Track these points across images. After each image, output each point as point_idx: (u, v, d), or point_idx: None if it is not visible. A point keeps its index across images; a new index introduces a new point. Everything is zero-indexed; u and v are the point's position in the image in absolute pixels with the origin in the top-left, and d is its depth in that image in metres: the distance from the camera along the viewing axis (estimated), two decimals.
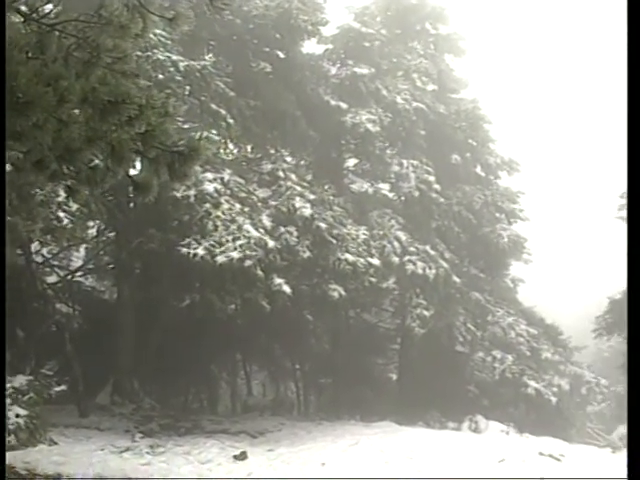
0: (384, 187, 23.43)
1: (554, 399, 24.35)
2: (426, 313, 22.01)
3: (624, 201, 24.29)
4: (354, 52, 24.75)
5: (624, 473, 15.74)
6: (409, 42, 27.42)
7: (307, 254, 18.12)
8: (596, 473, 15.07)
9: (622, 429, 31.81)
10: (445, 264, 22.74)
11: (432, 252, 22.62)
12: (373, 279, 19.20)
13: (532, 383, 24.13)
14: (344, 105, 23.20)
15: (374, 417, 21.89)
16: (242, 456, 14.51)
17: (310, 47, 24.17)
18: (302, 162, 24.49)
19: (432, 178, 23.74)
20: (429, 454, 15.28)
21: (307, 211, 18.44)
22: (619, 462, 17.39)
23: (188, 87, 18.67)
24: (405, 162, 23.78)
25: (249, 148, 23.52)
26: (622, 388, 34.02)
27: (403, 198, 23.78)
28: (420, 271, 21.77)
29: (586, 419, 31.33)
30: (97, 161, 6.87)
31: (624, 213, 24.14)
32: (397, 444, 16.09)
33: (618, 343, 28.95)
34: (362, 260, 18.72)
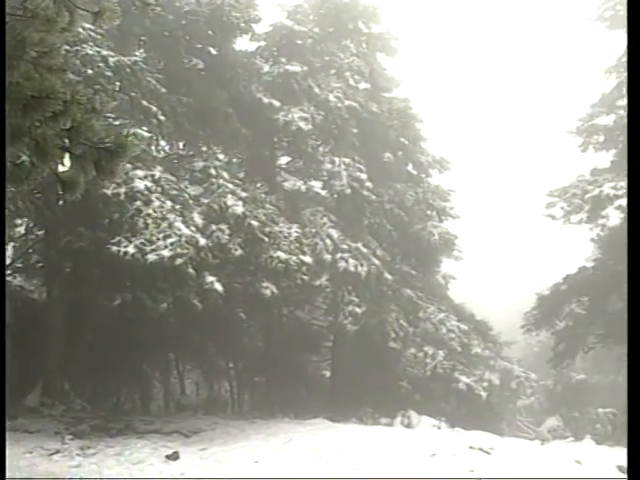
0: (316, 185, 23.51)
1: (484, 394, 24.77)
2: (358, 310, 22.14)
3: (551, 199, 24.85)
4: (287, 50, 24.75)
5: (553, 464, 16.16)
6: (342, 40, 27.50)
7: (239, 252, 18.03)
8: (525, 465, 15.39)
9: (550, 421, 32.57)
10: (377, 261, 22.91)
11: (364, 249, 22.77)
12: (305, 277, 19.21)
13: (463, 378, 24.52)
14: (277, 103, 23.17)
15: (308, 414, 21.95)
16: (174, 456, 14.38)
17: (243, 44, 24.09)
18: (234, 160, 24.40)
19: (364, 176, 23.88)
20: (362, 450, 15.36)
21: (239, 209, 18.34)
22: (548, 454, 17.83)
23: (118, 83, 18.40)
24: (337, 160, 23.87)
25: (181, 145, 23.35)
26: (551, 382, 34.82)
27: (335, 196, 23.89)
28: (352, 268, 21.89)
29: (516, 412, 31.95)
30: (24, 157, 6.71)
31: (552, 211, 24.70)
32: (330, 441, 16.13)
33: (547, 338, 29.62)
34: (294, 258, 18.71)
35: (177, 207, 17.73)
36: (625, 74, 25.74)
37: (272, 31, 24.78)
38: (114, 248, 16.88)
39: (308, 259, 19.40)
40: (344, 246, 22.27)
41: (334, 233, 22.26)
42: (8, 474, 11.78)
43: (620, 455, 18.71)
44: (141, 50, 21.46)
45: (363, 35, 27.81)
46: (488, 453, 16.20)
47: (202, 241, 17.18)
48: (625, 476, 15.94)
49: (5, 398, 13.03)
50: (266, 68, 24.46)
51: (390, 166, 26.49)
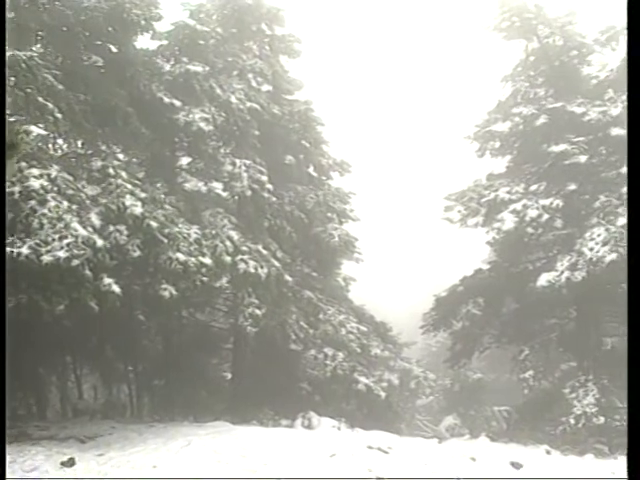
0: (217, 186, 23.34)
1: (384, 394, 25.12)
2: (258, 312, 22.13)
3: (449, 203, 25.39)
4: (189, 49, 24.49)
5: (449, 461, 16.52)
6: (245, 42, 27.46)
7: (138, 253, 17.70)
8: (422, 463, 15.69)
9: (448, 420, 33.30)
10: (277, 263, 22.94)
11: (264, 251, 22.76)
12: (205, 278, 19.03)
13: (362, 379, 24.80)
14: (178, 103, 22.89)
15: (208, 417, 21.80)
16: (70, 462, 14.05)
17: (144, 42, 23.70)
18: (134, 160, 23.93)
19: (265, 178, 23.89)
20: (262, 452, 15.38)
21: (138, 209, 18.00)
22: (444, 451, 18.23)
23: (13, 78, 17.85)
24: (238, 161, 23.79)
25: (79, 144, 22.79)
26: (448, 381, 35.58)
27: (236, 197, 23.83)
28: (252, 270, 21.84)
29: (415, 412, 32.54)
30: None
31: (449, 214, 25.24)
32: (230, 443, 16.09)
33: (445, 338, 30.21)
34: (194, 259, 18.51)
35: (74, 207, 17.29)
36: (520, 83, 26.57)
37: (174, 30, 24.50)
38: (7, 249, 16.36)
39: (208, 261, 19.22)
40: (244, 248, 22.20)
41: (234, 235, 22.16)
42: None
43: (514, 451, 19.33)
44: (38, 45, 20.85)
45: (266, 37, 27.84)
46: (386, 452, 16.47)
47: (99, 242, 16.80)
48: (517, 472, 16.49)
49: (5, 398, 12.61)
50: (167, 67, 24.14)
51: (291, 168, 26.60)
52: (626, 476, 9.51)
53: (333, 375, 24.72)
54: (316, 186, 27.53)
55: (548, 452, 20.36)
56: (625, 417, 26.33)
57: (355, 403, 25.56)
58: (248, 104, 24.40)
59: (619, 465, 18.36)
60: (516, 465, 16.96)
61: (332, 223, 27.05)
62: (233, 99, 23.97)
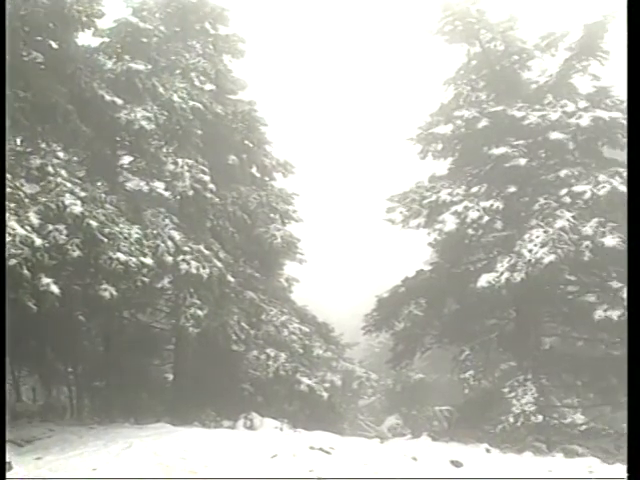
0: (159, 186, 23.15)
1: (326, 394, 25.19)
2: (200, 313, 21.99)
3: (391, 204, 25.55)
4: (131, 47, 24.16)
5: (390, 461, 16.61)
6: (188, 40, 27.25)
7: (77, 253, 17.47)
8: (363, 463, 15.77)
9: (390, 420, 33.57)
10: (219, 264, 22.84)
11: (206, 251, 22.65)
12: (146, 279, 18.87)
13: (305, 380, 24.82)
14: (119, 101, 22.60)
15: (149, 419, 21.60)
16: (7, 467, 13.78)
17: (85, 39, 23.34)
18: (75, 158, 23.55)
19: (207, 178, 23.75)
20: (203, 453, 15.30)
21: (77, 208, 17.76)
22: (386, 451, 18.36)
23: None
24: (180, 161, 23.60)
25: (18, 141, 22.36)
26: (391, 381, 35.86)
27: (178, 197, 23.65)
28: (194, 270, 21.72)
29: (358, 412, 32.74)
30: None
31: (392, 215, 25.40)
32: (171, 445, 15.97)
33: (387, 339, 30.40)
34: (134, 259, 18.33)
35: (12, 206, 16.99)
36: (462, 86, 26.89)
37: (116, 27, 24.16)
38: None
39: (149, 261, 19.06)
40: (186, 248, 22.06)
41: (176, 235, 22.01)
42: None
43: (455, 450, 19.56)
44: None
45: (210, 36, 27.66)
46: (328, 453, 16.50)
47: (38, 241, 16.53)
48: (457, 470, 16.69)
49: (5, 398, 12.25)
50: (109, 65, 23.76)
51: (234, 169, 26.51)
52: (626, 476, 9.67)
53: (275, 376, 24.71)
54: (259, 187, 27.49)
55: (488, 450, 20.61)
56: (562, 415, 26.91)
57: (298, 404, 25.58)
58: (191, 103, 24.22)
59: (556, 462, 18.72)
60: (456, 464, 17.16)
61: (275, 224, 27.05)
62: (176, 98, 23.76)
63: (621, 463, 19.04)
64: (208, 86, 26.58)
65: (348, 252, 61.74)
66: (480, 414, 25.09)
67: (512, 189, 24.73)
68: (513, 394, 23.15)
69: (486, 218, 24.13)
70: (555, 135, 24.62)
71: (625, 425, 28.36)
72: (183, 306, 22.29)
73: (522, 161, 24.52)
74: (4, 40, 20.48)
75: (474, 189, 24.93)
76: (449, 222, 24.23)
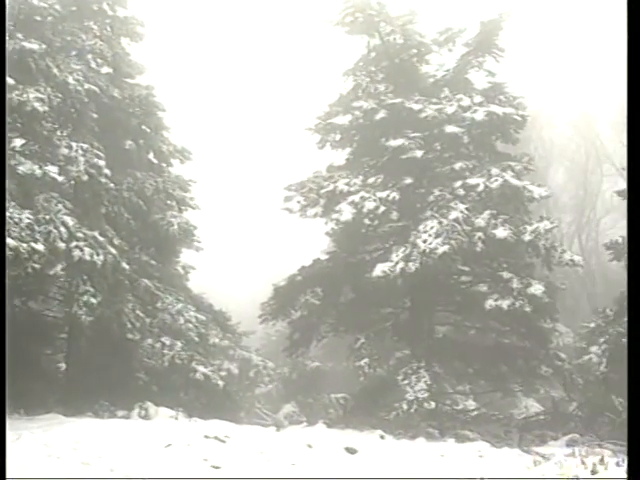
0: (52, 170, 22.44)
1: (222, 383, 25.10)
2: (94, 300, 21.53)
3: (289, 193, 25.58)
4: (24, 26, 23.31)
5: (285, 448, 16.69)
6: (85, 21, 26.48)
7: None
8: (258, 451, 15.82)
9: (287, 408, 33.76)
10: (114, 250, 22.40)
11: (101, 238, 22.17)
12: (37, 265, 18.36)
13: (201, 368, 24.66)
14: (11, 81, 21.81)
15: (40, 410, 21.04)
16: None
17: None
18: None
19: (102, 163, 23.23)
20: (96, 444, 15.04)
21: None
22: (281, 439, 18.45)
23: None
24: (75, 145, 23.01)
25: None
26: (287, 370, 36.02)
27: (72, 182, 23.04)
28: (88, 257, 21.22)
29: (255, 400, 32.76)
30: None
31: (289, 204, 25.42)
32: (62, 436, 15.64)
33: (284, 327, 30.49)
34: (25, 245, 17.82)
35: None
36: (361, 77, 27.11)
37: (9, 4, 23.30)
38: None
39: (40, 247, 18.54)
40: (80, 234, 21.52)
41: (69, 220, 21.43)
42: None
43: (349, 437, 19.82)
44: None
45: (108, 18, 26.96)
46: (223, 441, 16.51)
47: None
48: (352, 457, 16.92)
49: (5, 398, 11.53)
50: None
51: (131, 154, 26.06)
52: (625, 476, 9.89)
53: (171, 364, 24.45)
54: (156, 173, 27.07)
55: (382, 437, 20.97)
56: (454, 401, 27.64)
57: (193, 392, 25.40)
58: (87, 86, 23.64)
59: (448, 447, 19.20)
60: (351, 450, 17.40)
61: (171, 211, 26.72)
62: (71, 80, 23.13)
63: (509, 447, 19.72)
64: (105, 69, 25.99)
65: (246, 240, 61.54)
66: (375, 401, 25.48)
67: (408, 180, 25.13)
68: (407, 381, 23.57)
69: (382, 208, 24.44)
70: (451, 128, 25.15)
71: (514, 411, 29.44)
72: (76, 294, 21.76)
73: (418, 153, 24.94)
74: (4, 39, 19.70)
75: (371, 180, 25.20)
76: (346, 212, 24.44)
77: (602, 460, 15.14)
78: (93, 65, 25.33)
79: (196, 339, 25.37)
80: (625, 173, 27.99)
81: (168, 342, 24.69)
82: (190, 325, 25.44)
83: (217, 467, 13.84)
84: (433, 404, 23.30)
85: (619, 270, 24.33)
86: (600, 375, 22.10)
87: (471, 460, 16.67)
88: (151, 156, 27.60)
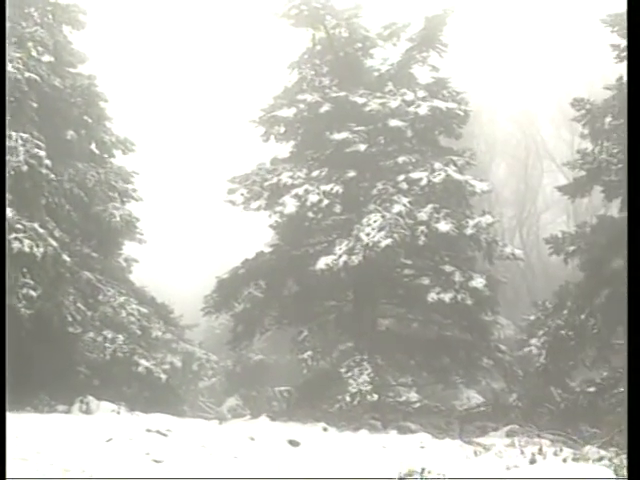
0: None
1: (165, 377, 24.92)
2: (33, 293, 21.20)
3: (233, 185, 25.49)
4: None
5: (228, 441, 16.64)
6: (25, 8, 26.01)
7: None
8: (201, 444, 15.74)
9: (231, 401, 33.69)
10: (54, 242, 22.07)
11: (41, 230, 21.82)
12: None
13: (143, 362, 24.45)
14: None
15: None
16: None
17: None
18: None
19: (43, 153, 22.82)
20: (35, 439, 14.81)
21: None
22: (224, 432, 18.41)
23: None
24: (15, 135, 22.55)
25: None
26: (231, 363, 35.92)
27: (12, 173, 22.60)
28: (27, 249, 20.88)
29: (198, 394, 32.59)
30: None
31: (233, 197, 25.32)
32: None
33: (228, 320, 30.39)
34: None
35: None
36: (306, 70, 27.10)
37: None
38: None
39: None
40: (19, 226, 21.16)
41: (8, 212, 21.07)
42: None
43: (293, 430, 19.86)
44: None
45: (49, 4, 26.53)
46: (165, 435, 16.40)
47: None
48: (294, 449, 16.95)
49: (5, 398, 11.10)
50: None
51: (72, 144, 25.68)
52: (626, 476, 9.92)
53: (112, 358, 24.20)
54: (98, 164, 26.73)
55: (325, 429, 21.07)
56: (397, 393, 27.89)
57: (136, 386, 25.16)
58: (27, 74, 23.24)
59: (390, 439, 19.35)
60: (293, 443, 17.42)
61: (114, 202, 26.41)
62: (10, 68, 22.70)
63: (450, 438, 19.96)
64: (46, 57, 25.50)
65: (189, 233, 61.13)
66: (318, 394, 25.58)
67: (352, 174, 25.24)
68: (350, 374, 23.70)
69: (326, 202, 24.51)
70: (394, 122, 25.31)
71: (455, 402, 29.83)
72: (15, 286, 21.38)
73: (362, 147, 25.06)
74: (4, 40, 19.12)
75: (315, 173, 25.24)
76: (289, 205, 24.45)
77: (540, 450, 15.44)
78: (34, 53, 24.86)
79: (138, 332, 25.14)
80: (565, 169, 28.57)
81: (110, 335, 24.42)
82: (132, 318, 25.20)
83: (159, 461, 13.69)
84: (376, 396, 23.45)
85: (559, 264, 24.82)
86: (539, 367, 22.50)
87: (413, 451, 16.80)
88: (93, 147, 27.25)
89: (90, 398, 22.07)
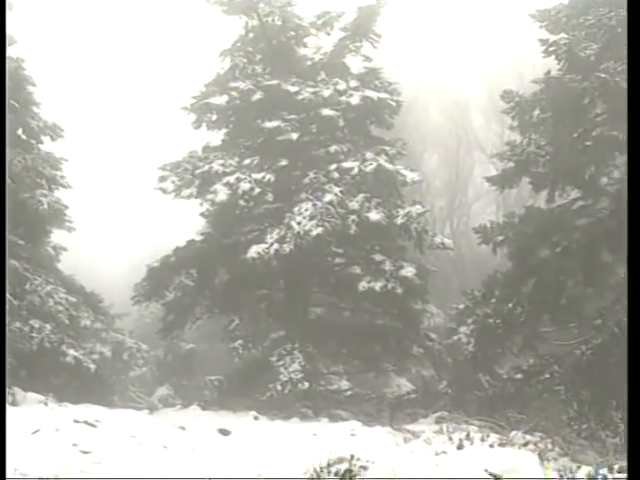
0: None
1: (94, 366, 24.55)
2: None
3: (163, 173, 25.25)
4: None
5: (158, 431, 16.53)
6: None
7: None
8: (130, 434, 15.63)
9: (161, 391, 33.43)
10: None
11: None
12: None
13: (71, 352, 24.02)
14: None
15: None
16: None
17: None
18: None
19: None
20: None
21: None
22: (154, 422, 18.32)
23: None
24: None
25: None
26: (162, 352, 35.62)
27: None
28: None
29: (129, 383, 32.20)
30: None
31: (163, 184, 25.11)
32: None
33: (158, 309, 30.12)
34: None
35: None
36: (239, 58, 26.93)
37: None
38: None
39: None
40: None
41: None
42: None
43: (223, 419, 19.86)
44: None
45: None
46: (94, 426, 16.24)
47: None
48: (225, 438, 16.97)
49: (5, 397, 10.64)
50: None
51: None
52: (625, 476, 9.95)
53: (40, 348, 23.71)
54: (25, 150, 26.11)
55: (256, 418, 21.10)
56: (329, 382, 28.02)
57: (64, 377, 24.70)
58: None
59: (321, 427, 19.53)
60: (224, 432, 17.45)
61: (41, 189, 25.85)
62: None
63: (381, 425, 20.20)
64: None
65: (120, 221, 60.25)
66: (250, 383, 25.59)
67: (283, 162, 25.27)
68: (281, 362, 23.77)
69: (257, 190, 24.49)
70: (327, 112, 25.41)
71: (386, 390, 30.13)
72: None
73: (294, 135, 25.11)
74: (4, 43, 18.42)
75: (246, 161, 25.20)
76: (221, 193, 24.37)
77: (468, 436, 15.70)
78: None
79: (66, 322, 24.70)
80: (494, 160, 29.04)
81: (37, 325, 23.92)
82: (60, 307, 24.72)
83: (87, 452, 13.57)
84: (307, 384, 23.57)
85: (488, 253, 25.15)
86: (468, 354, 22.86)
87: (343, 438, 16.98)
88: (20, 132, 26.60)
89: (16, 389, 21.59)
